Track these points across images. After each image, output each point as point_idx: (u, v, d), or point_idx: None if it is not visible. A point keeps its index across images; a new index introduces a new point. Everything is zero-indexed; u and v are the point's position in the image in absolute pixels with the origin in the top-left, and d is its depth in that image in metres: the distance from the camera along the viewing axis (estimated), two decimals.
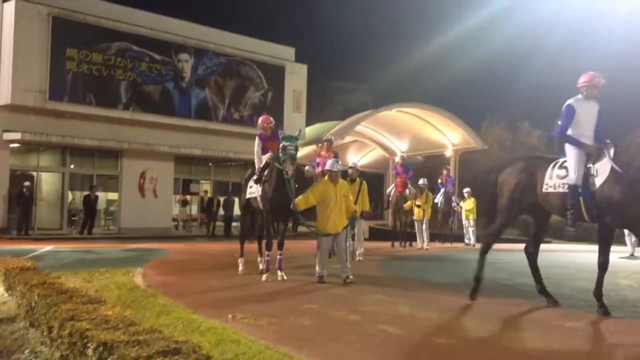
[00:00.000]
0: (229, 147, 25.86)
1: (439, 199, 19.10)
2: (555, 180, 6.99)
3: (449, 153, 29.96)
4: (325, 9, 77.41)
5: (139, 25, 23.45)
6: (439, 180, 19.80)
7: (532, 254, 7.63)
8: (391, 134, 31.09)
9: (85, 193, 22.98)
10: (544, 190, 7.09)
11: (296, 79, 27.97)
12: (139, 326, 4.67)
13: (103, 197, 25.33)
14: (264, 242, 9.90)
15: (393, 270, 11.25)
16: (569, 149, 7.00)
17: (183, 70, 24.81)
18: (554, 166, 7.11)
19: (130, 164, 23.94)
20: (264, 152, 9.84)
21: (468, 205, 19.57)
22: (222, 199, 25.46)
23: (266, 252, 9.34)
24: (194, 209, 27.72)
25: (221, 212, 25.39)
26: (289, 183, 8.94)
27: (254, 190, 9.77)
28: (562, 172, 6.97)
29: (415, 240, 17.65)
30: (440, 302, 7.27)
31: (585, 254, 16.93)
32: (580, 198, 6.75)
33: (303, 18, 77.37)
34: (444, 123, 28.69)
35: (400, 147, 31.03)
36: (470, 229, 19.35)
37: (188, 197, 27.30)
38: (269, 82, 27.16)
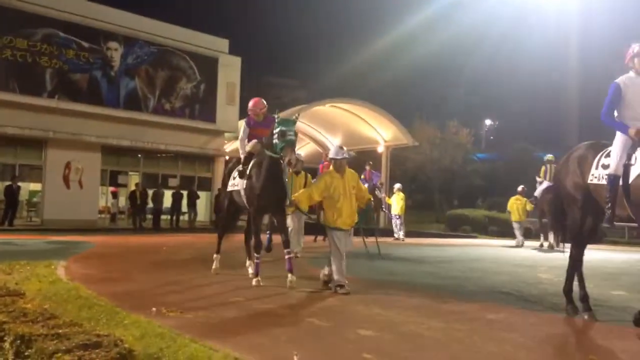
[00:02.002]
0: (159, 139, 25.38)
1: None
2: (600, 170, 6.15)
3: (380, 149, 30.38)
4: (262, 2, 76.90)
5: (66, 11, 22.65)
6: (362, 176, 20.04)
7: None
8: (324, 129, 31.26)
9: (7, 183, 22.07)
10: (589, 181, 6.24)
11: (230, 71, 27.68)
12: (59, 319, 4.54)
13: (26, 187, 24.41)
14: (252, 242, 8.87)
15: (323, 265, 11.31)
16: (617, 134, 6.05)
17: (112, 58, 24.15)
18: (602, 155, 6.21)
19: (55, 154, 23.12)
20: (250, 140, 8.87)
21: (397, 200, 19.89)
22: (151, 192, 24.95)
23: (255, 255, 8.24)
24: (122, 201, 27.09)
25: (150, 205, 24.88)
26: (285, 175, 8.11)
27: (237, 182, 8.76)
28: (607, 160, 6.11)
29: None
30: (367, 296, 7.36)
31: (507, 249, 17.58)
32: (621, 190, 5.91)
33: (239, 10, 76.62)
34: (376, 119, 29.04)
35: (334, 142, 31.22)
36: (399, 224, 19.68)
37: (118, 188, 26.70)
38: (202, 73, 26.78)
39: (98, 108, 23.57)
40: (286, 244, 8.06)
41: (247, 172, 8.43)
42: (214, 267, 9.29)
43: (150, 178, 26.66)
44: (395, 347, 4.90)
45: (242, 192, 8.54)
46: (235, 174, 8.90)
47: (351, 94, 31.44)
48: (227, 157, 29.04)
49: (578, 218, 6.42)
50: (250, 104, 9.01)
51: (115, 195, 26.78)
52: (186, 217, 25.59)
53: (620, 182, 5.89)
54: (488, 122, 61.58)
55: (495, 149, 52.81)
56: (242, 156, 8.78)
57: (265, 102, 9.05)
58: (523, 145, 45.87)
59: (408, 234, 20.03)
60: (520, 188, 19.31)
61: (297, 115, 8.17)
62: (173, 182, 26.82)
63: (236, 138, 28.90)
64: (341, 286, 7.53)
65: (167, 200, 25.21)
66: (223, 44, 28.10)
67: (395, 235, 19.49)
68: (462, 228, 26.79)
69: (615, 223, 6.18)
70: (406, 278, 9.52)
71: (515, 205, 19.07)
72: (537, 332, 5.60)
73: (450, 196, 45.79)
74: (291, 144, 7.64)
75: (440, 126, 44.01)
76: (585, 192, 6.27)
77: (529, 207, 18.79)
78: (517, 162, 40.75)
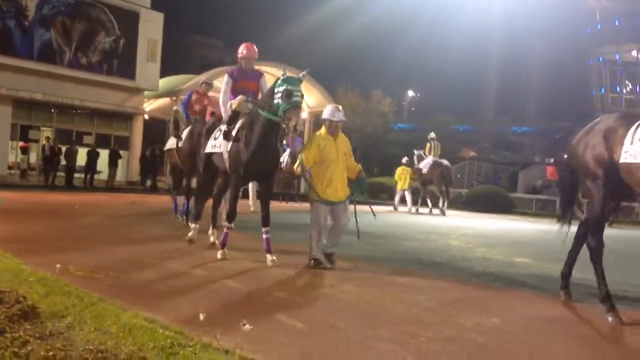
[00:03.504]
0: (75, 94, 24.39)
1: (284, 158, 19.39)
2: (637, 145, 5.00)
3: (304, 115, 30.33)
4: None
5: None
6: (284, 142, 20.03)
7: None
8: None
9: None
10: (621, 159, 5.10)
11: (151, 27, 26.78)
12: None
13: None
14: (223, 209, 8.40)
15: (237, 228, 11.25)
16: None
17: (26, 7, 22.97)
18: (637, 127, 5.10)
19: None
20: (234, 95, 7.73)
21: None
22: (64, 148, 23.99)
23: (226, 224, 7.24)
24: (33, 157, 25.97)
25: (63, 162, 23.95)
26: (280, 141, 6.97)
27: (219, 144, 7.66)
28: None
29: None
30: (284, 259, 7.40)
31: (426, 217, 18.09)
32: None
33: None
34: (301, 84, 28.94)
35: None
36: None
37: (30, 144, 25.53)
38: (122, 28, 25.79)
39: (9, 59, 22.41)
40: (266, 220, 7.10)
41: (233, 133, 7.28)
42: (190, 235, 8.22)
43: (64, 134, 25.64)
44: (309, 308, 4.96)
45: (225, 156, 7.45)
46: (217, 134, 7.85)
47: (280, 59, 31.13)
48: (146, 116, 28.26)
49: (600, 198, 5.30)
50: (242, 49, 7.80)
51: (25, 150, 25.58)
52: (101, 176, 24.82)
53: None
54: (411, 93, 62.53)
55: (416, 120, 53.80)
56: (224, 114, 7.75)
57: (256, 49, 7.89)
58: (442, 117, 46.92)
59: None
60: (404, 160, 21.18)
61: (304, 73, 6.93)
62: (88, 139, 25.90)
63: (157, 97, 28.29)
64: (317, 261, 6.94)
65: (82, 158, 24.34)
66: None
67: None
68: (379, 196, 27.27)
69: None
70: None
71: (403, 175, 20.74)
72: (445, 296, 5.80)
73: (371, 164, 46.47)
74: (297, 106, 6.61)
75: (365, 95, 44.36)
76: (609, 169, 5.22)
77: (412, 176, 20.76)
78: (435, 133, 41.66)
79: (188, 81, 26.92)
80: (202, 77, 12.14)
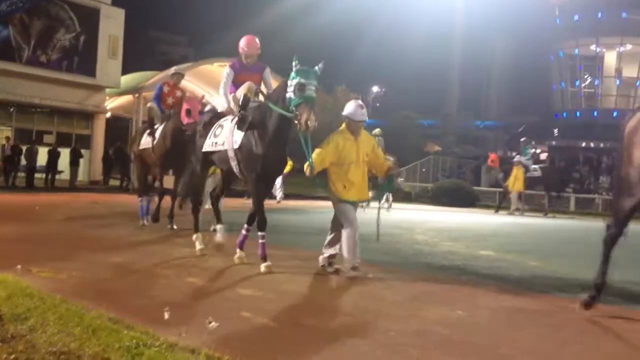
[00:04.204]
0: (34, 92, 23.84)
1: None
2: None
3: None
4: None
5: None
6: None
7: None
8: (212, 89, 30.64)
9: None
10: None
11: (112, 23, 26.30)
12: None
13: None
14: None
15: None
16: None
17: None
18: None
19: None
20: (235, 88, 7.09)
21: None
22: (24, 148, 23.46)
23: (261, 233, 6.46)
24: None
25: (23, 162, 23.41)
26: (302, 139, 6.13)
27: (221, 140, 6.88)
28: None
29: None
30: (249, 257, 7.36)
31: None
32: None
33: None
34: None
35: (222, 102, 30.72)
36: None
37: None
38: (82, 24, 25.28)
39: None
40: (261, 223, 6.51)
41: (247, 122, 6.56)
42: (198, 248, 7.44)
43: (24, 134, 25.07)
44: (276, 305, 4.96)
45: (231, 154, 6.70)
46: (217, 130, 7.07)
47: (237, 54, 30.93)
48: (108, 115, 27.83)
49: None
50: (243, 43, 7.21)
51: None
52: (63, 176, 24.35)
53: None
54: (375, 89, 62.81)
55: (380, 115, 54.12)
56: (224, 108, 7.14)
57: (259, 42, 7.31)
58: (406, 112, 47.25)
59: (291, 197, 20.30)
60: None
61: (320, 65, 6.25)
62: (49, 138, 25.36)
63: (119, 94, 27.87)
64: (355, 268, 6.30)
65: (42, 158, 23.85)
66: None
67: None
68: None
69: None
70: (295, 238, 9.56)
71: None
72: (411, 290, 5.87)
73: None
74: (311, 102, 6.03)
75: (329, 91, 44.43)
76: None
77: None
78: (400, 128, 41.86)
79: (150, 78, 26.55)
80: (172, 69, 11.35)
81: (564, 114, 33.75)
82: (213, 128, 7.20)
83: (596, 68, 34.69)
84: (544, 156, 33.13)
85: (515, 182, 20.50)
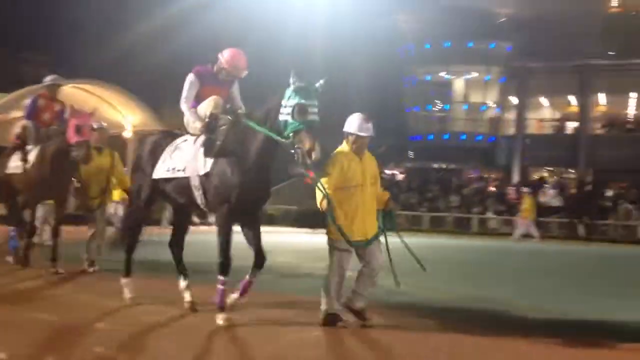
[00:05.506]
0: None
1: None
2: None
3: (127, 134, 29.39)
4: None
5: None
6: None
7: None
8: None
9: None
10: None
11: None
12: None
13: None
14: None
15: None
16: None
17: None
18: None
19: None
20: (198, 102, 5.94)
21: None
22: None
23: (220, 278, 5.38)
24: None
25: None
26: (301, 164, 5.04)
27: (181, 165, 5.73)
28: None
29: None
30: (103, 288, 7.12)
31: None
32: None
33: None
34: (123, 103, 28.01)
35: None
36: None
37: None
38: None
39: None
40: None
41: (218, 144, 5.48)
42: (127, 296, 6.29)
43: None
44: (132, 337, 4.87)
45: (195, 182, 5.57)
46: (175, 153, 5.91)
47: (99, 76, 29.88)
48: None
49: None
50: (227, 56, 6.00)
51: None
52: None
53: None
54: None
55: None
56: (195, 130, 5.84)
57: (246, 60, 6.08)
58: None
59: None
60: None
61: (321, 82, 5.25)
62: None
63: None
64: (333, 316, 5.39)
65: None
66: None
67: None
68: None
69: None
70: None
71: None
72: (255, 313, 5.89)
73: None
74: (313, 127, 5.00)
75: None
76: None
77: None
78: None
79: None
80: (47, 78, 9.35)
81: (418, 137, 35.59)
82: (167, 150, 6.02)
83: (446, 94, 36.92)
84: (400, 177, 34.82)
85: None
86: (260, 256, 5.60)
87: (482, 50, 33.41)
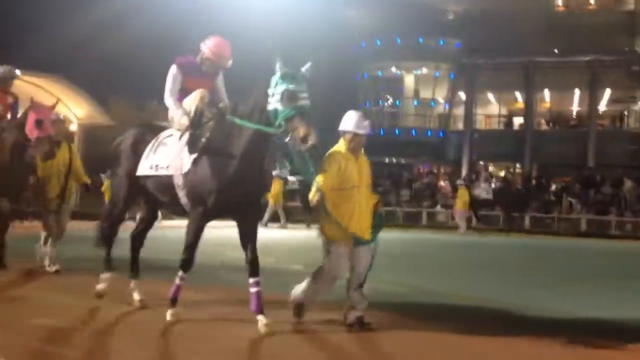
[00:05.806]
0: None
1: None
2: None
3: (74, 127, 28.82)
4: None
5: None
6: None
7: None
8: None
9: None
10: None
11: None
12: None
13: None
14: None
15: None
16: None
17: None
18: None
19: None
20: (183, 95, 5.69)
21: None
22: None
23: (179, 274, 5.28)
24: None
25: None
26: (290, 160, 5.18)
27: (164, 163, 5.46)
28: None
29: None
30: (52, 283, 6.99)
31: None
32: None
33: None
34: (68, 96, 27.43)
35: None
36: None
37: None
38: None
39: None
40: (254, 268, 5.24)
41: (202, 141, 5.26)
42: (99, 288, 6.11)
43: None
44: (80, 335, 4.81)
45: (178, 181, 5.33)
46: (159, 148, 5.63)
47: (45, 69, 29.06)
48: None
49: None
50: (210, 44, 5.73)
51: None
52: None
53: None
54: None
55: None
56: (176, 117, 5.60)
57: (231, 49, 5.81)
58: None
59: None
60: None
61: (307, 66, 5.08)
62: None
63: None
64: (299, 307, 5.31)
65: None
66: None
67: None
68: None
69: None
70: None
71: None
72: (209, 308, 5.94)
73: None
74: (305, 113, 4.81)
75: (139, 106, 43.11)
76: None
77: None
78: None
79: None
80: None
81: (369, 132, 35.91)
82: (151, 146, 5.71)
83: (397, 89, 37.23)
84: None
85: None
86: (251, 258, 5.23)
87: (431, 47, 33.83)
